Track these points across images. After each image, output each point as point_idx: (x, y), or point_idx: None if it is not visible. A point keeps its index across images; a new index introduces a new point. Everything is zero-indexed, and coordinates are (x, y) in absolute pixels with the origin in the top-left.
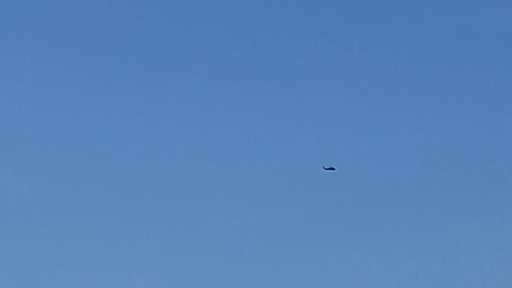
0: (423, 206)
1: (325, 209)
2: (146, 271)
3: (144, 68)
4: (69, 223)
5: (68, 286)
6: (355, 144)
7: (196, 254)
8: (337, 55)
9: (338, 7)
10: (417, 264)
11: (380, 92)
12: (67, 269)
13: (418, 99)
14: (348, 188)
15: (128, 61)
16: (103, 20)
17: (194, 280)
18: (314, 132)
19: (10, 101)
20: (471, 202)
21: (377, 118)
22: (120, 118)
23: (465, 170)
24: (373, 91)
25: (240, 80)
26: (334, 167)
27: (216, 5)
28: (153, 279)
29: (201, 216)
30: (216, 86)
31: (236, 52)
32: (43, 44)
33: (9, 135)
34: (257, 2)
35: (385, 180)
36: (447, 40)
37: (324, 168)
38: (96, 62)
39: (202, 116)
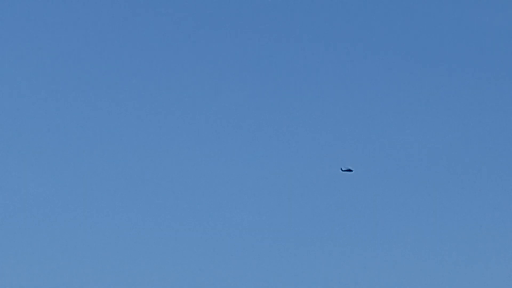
0: (425, 205)
1: (327, 207)
2: (148, 268)
3: (146, 66)
4: (78, 221)
5: (77, 283)
6: (355, 143)
7: (196, 252)
8: (341, 52)
9: (338, 5)
10: (420, 263)
11: (380, 92)
12: (77, 266)
13: (419, 100)
14: (350, 186)
15: (132, 60)
16: (103, 20)
17: (195, 278)
18: (315, 131)
19: (20, 99)
20: (473, 200)
21: (379, 117)
22: (127, 116)
23: (468, 168)
24: (373, 90)
25: (242, 77)
26: (351, 169)
27: (216, 4)
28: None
29: (202, 214)
30: (217, 84)
31: (238, 49)
32: (46, 41)
33: (19, 133)
34: (257, 2)
35: (387, 179)
36: (447, 38)
37: (341, 169)
38: (105, 60)
39: (205, 113)
